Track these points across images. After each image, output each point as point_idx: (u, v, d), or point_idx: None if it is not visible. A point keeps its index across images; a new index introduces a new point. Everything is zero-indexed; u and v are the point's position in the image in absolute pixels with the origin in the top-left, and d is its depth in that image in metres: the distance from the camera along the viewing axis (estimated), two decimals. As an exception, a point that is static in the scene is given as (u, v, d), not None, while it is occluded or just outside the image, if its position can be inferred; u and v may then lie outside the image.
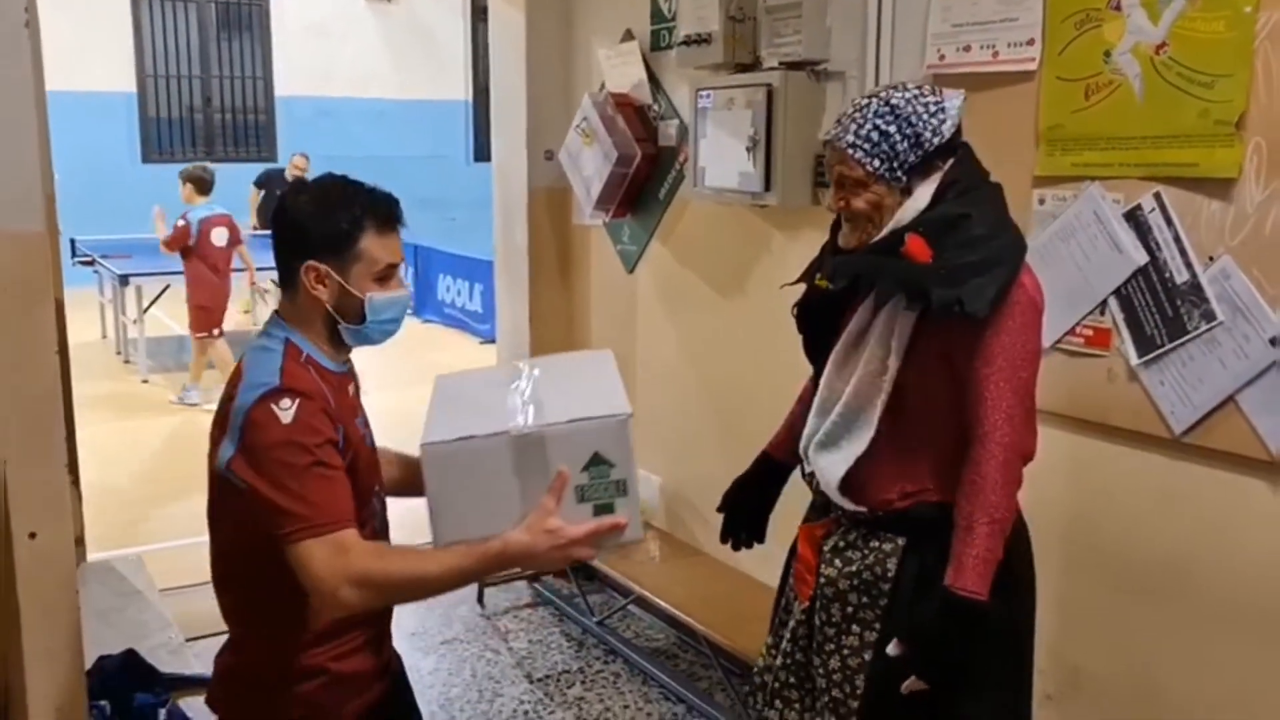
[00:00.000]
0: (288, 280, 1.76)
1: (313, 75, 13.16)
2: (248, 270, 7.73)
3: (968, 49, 2.65)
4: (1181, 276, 2.25)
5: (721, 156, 3.34)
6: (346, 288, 1.73)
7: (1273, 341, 2.11)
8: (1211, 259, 2.20)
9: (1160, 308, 2.30)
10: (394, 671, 2.02)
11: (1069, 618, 2.59)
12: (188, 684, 3.01)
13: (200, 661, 3.11)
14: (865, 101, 1.91)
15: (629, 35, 3.98)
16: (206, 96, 12.92)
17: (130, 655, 3.08)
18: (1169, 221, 2.27)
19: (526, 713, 3.53)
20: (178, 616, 3.56)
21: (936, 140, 1.87)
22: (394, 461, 2.04)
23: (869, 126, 1.87)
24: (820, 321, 2.08)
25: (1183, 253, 2.25)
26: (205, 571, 1.85)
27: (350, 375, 1.86)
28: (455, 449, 1.66)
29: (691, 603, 3.39)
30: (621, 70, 4.02)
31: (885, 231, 1.90)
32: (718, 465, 3.77)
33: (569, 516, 1.65)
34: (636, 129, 3.91)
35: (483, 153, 12.76)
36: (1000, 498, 1.83)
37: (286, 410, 1.63)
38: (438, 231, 11.41)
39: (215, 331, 7.24)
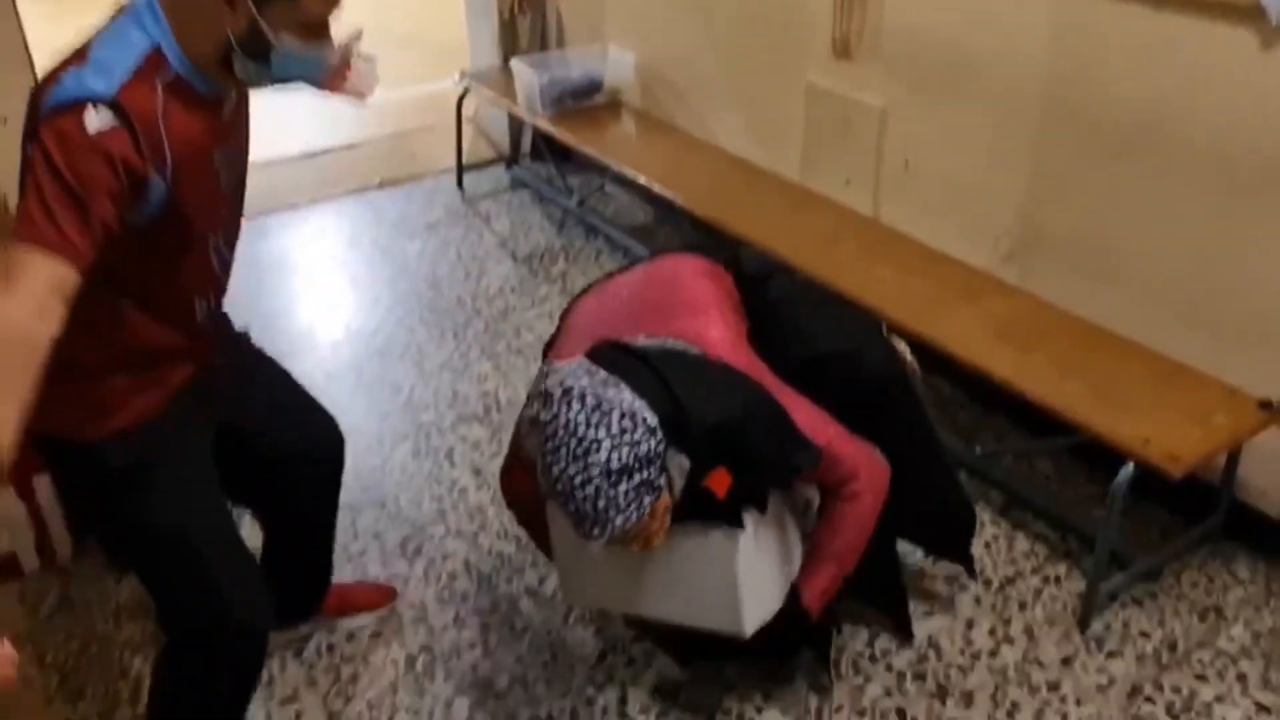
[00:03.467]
0: None
1: None
2: None
3: None
4: None
5: None
6: (259, 22, 1.45)
7: (1278, -126, 2.00)
8: None
9: None
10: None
11: (1037, 179, 2.65)
12: None
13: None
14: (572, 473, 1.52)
15: None
16: None
17: None
18: None
19: (513, 288, 3.68)
20: None
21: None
22: None
23: (592, 497, 1.54)
24: None
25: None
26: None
27: (227, 95, 1.58)
28: None
29: (668, 178, 3.42)
30: None
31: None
32: (691, 38, 3.68)
33: None
34: None
35: None
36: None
37: (94, 128, 1.36)
38: None
39: None
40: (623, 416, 1.47)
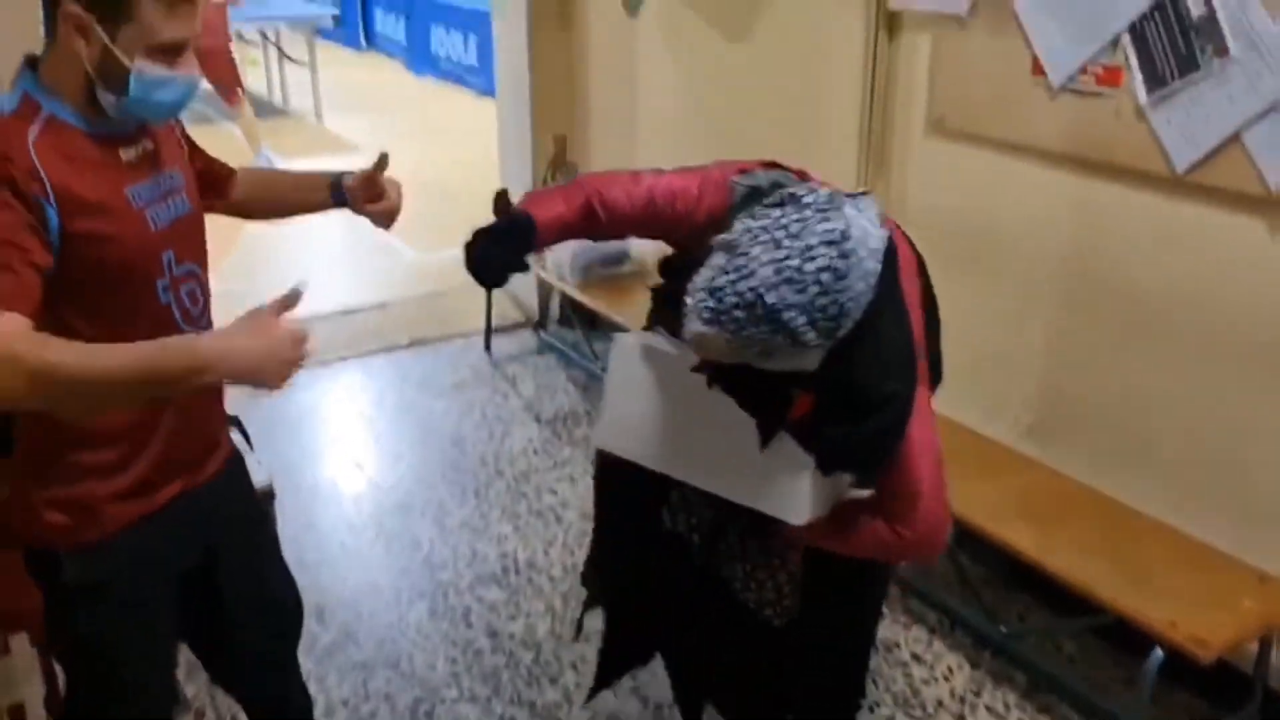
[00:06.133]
0: (49, 21, 1.47)
1: None
2: None
3: None
4: (1198, 10, 2.21)
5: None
6: (111, 49, 1.43)
7: (1283, 76, 2.11)
8: (1231, -10, 2.16)
9: (1173, 42, 2.27)
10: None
11: (1058, 354, 2.69)
12: None
13: None
14: (742, 307, 1.40)
15: None
16: None
17: None
18: (1191, -48, 2.21)
19: (536, 450, 3.71)
20: None
21: (797, 341, 1.48)
22: (257, 183, 1.91)
23: (742, 331, 1.43)
24: None
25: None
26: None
27: (131, 137, 1.55)
28: (644, 348, 1.65)
29: (693, 346, 3.48)
30: None
31: (769, 368, 1.51)
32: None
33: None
34: None
35: (473, -106, 12.06)
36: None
37: None
38: (430, -18, 10.96)
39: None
40: (845, 241, 1.35)
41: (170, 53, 1.47)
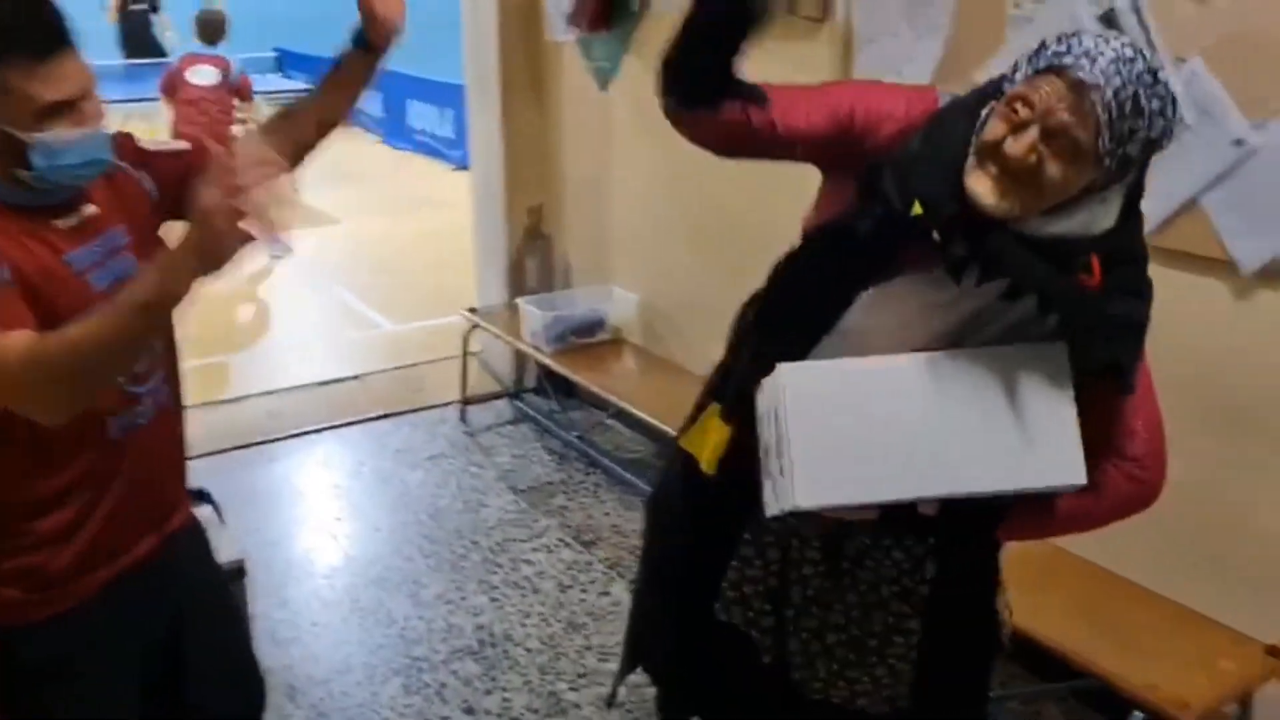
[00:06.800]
0: None
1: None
2: None
3: None
4: (1153, 79, 2.28)
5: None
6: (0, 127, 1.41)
7: (1237, 143, 2.16)
8: (1182, 60, 2.22)
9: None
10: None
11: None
12: None
13: None
14: (1127, 53, 1.26)
15: None
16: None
17: None
18: (1142, 24, 2.27)
19: (512, 520, 3.68)
20: None
21: (1163, 145, 1.32)
22: (281, 126, 1.83)
23: (1131, 90, 1.25)
24: (850, 265, 1.45)
25: (1152, 52, 2.26)
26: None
27: (67, 204, 1.53)
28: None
29: (669, 414, 3.48)
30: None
31: (1057, 230, 1.33)
32: (693, 282, 3.84)
33: (776, 476, 1.43)
34: (608, -63, 3.80)
35: (449, -28, 12.26)
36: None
37: None
38: (405, 55, 11.10)
39: None
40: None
41: (62, 114, 1.42)
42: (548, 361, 4.04)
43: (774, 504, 1.44)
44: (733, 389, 1.61)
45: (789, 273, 1.54)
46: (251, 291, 6.28)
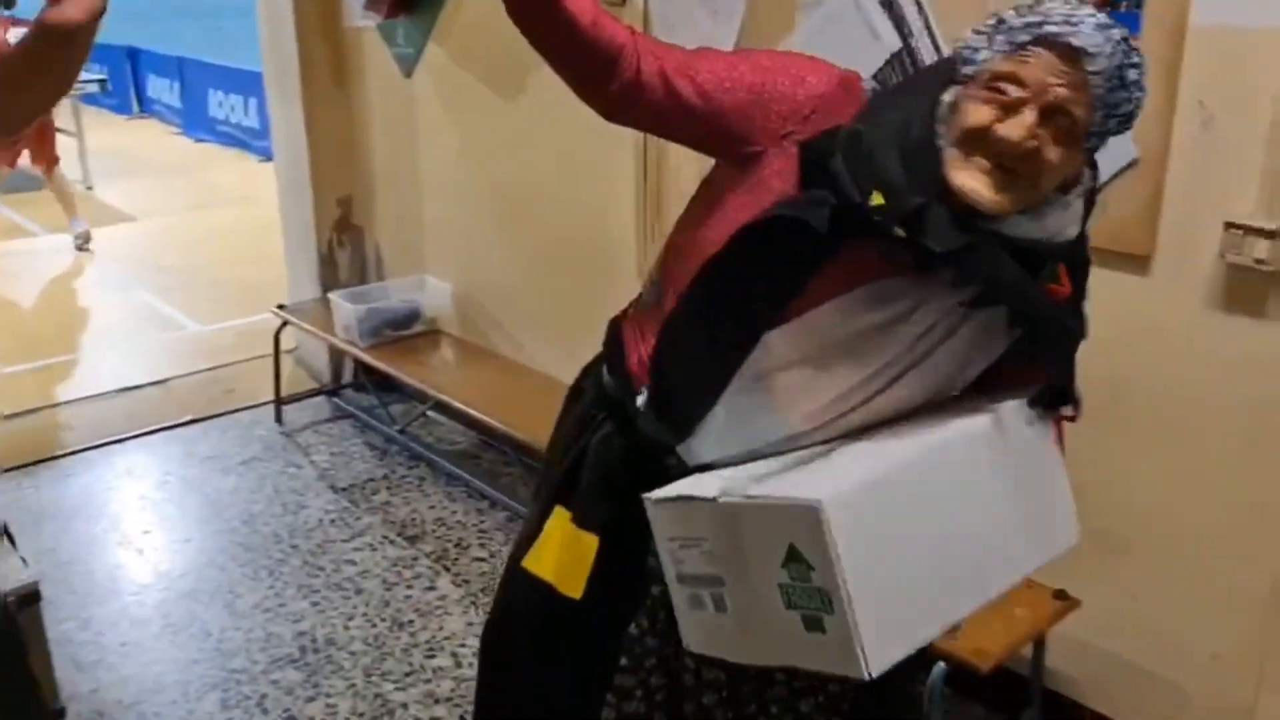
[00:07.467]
0: None
1: None
2: None
3: None
4: (930, 60, 2.38)
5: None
6: None
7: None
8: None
9: (912, 91, 2.44)
10: None
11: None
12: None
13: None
14: (1102, 18, 1.16)
15: None
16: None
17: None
18: (919, 7, 2.38)
19: (333, 520, 3.59)
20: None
21: (1130, 125, 1.22)
22: None
23: (1118, 59, 1.15)
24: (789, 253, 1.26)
25: (932, 37, 2.37)
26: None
27: None
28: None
29: (489, 404, 3.46)
30: None
31: (1034, 234, 1.21)
32: (505, 268, 3.82)
33: (771, 618, 1.18)
34: (404, -80, 3.71)
35: (246, -45, 11.81)
36: None
37: None
38: (204, 43, 10.63)
39: None
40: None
41: None
42: (363, 356, 3.94)
43: (708, 644, 1.28)
44: (616, 455, 1.40)
45: (715, 277, 1.32)
46: (47, 297, 5.92)
